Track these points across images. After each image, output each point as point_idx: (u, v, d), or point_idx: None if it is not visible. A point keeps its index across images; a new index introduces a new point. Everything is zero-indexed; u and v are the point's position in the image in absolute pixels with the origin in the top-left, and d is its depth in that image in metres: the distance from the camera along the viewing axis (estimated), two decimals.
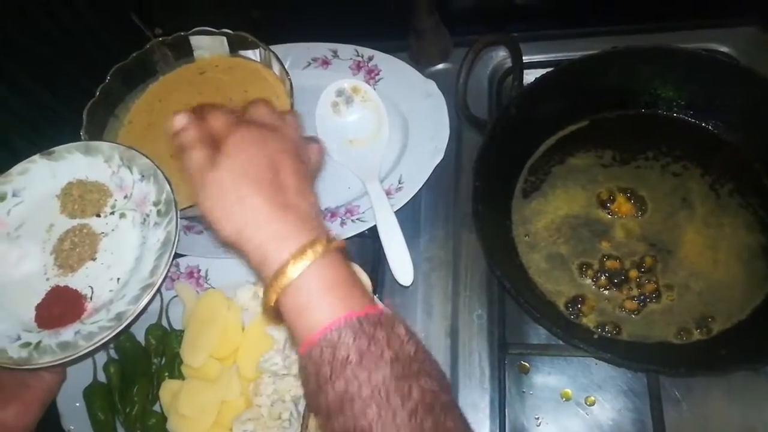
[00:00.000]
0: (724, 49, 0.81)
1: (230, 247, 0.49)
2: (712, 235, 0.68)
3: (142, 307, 0.60)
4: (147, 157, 0.67)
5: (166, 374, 0.69)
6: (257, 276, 0.50)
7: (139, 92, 0.83)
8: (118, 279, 0.65)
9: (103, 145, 0.70)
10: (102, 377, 0.69)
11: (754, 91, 0.68)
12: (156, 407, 0.69)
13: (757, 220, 0.68)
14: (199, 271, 0.73)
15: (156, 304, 0.72)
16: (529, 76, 0.75)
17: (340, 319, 0.43)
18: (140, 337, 0.71)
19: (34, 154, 0.71)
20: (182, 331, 0.70)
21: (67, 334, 0.61)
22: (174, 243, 0.63)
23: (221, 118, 0.52)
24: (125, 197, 0.68)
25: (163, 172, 0.66)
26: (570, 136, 0.76)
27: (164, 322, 0.72)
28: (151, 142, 0.79)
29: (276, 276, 0.45)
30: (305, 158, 0.53)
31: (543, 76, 0.72)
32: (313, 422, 0.61)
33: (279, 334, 0.68)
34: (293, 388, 0.65)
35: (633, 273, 0.67)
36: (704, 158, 0.72)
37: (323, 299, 0.45)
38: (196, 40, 0.82)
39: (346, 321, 0.43)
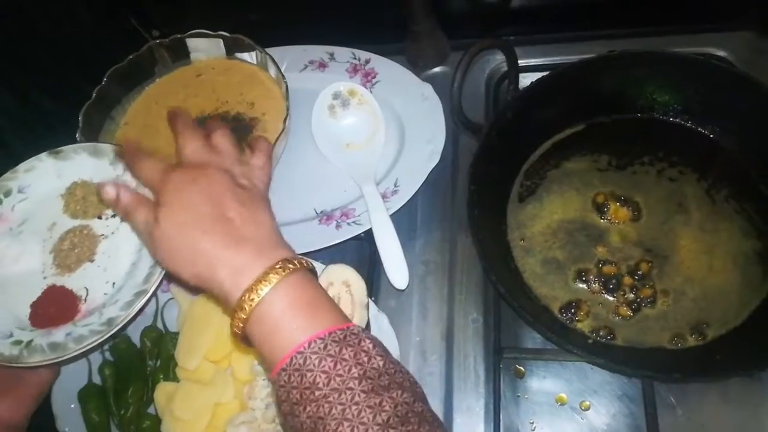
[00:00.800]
0: (721, 53, 0.81)
1: (195, 288, 0.51)
2: (707, 240, 0.68)
3: (133, 314, 0.60)
4: None
5: (161, 376, 0.68)
6: (224, 310, 0.50)
7: (136, 94, 0.83)
8: (113, 283, 0.65)
9: (110, 148, 0.70)
10: (97, 379, 0.69)
11: (750, 96, 0.68)
12: (150, 409, 0.68)
13: (753, 226, 0.68)
14: None
15: (152, 306, 0.72)
16: (526, 80, 0.75)
17: (303, 343, 0.44)
18: (135, 339, 0.71)
19: (30, 155, 0.72)
20: (177, 334, 0.69)
21: (59, 335, 0.61)
22: None
23: (150, 168, 0.53)
24: None
25: None
26: (566, 140, 0.76)
27: (159, 324, 0.71)
28: (147, 145, 0.79)
29: (237, 309, 0.46)
30: (244, 182, 0.54)
31: (539, 80, 0.72)
32: None
33: None
34: None
35: (628, 278, 0.67)
36: (700, 163, 0.72)
37: (286, 324, 0.46)
38: (192, 43, 0.82)
39: (309, 344, 0.44)
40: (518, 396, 0.67)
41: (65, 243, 0.67)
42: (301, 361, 0.43)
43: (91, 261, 0.67)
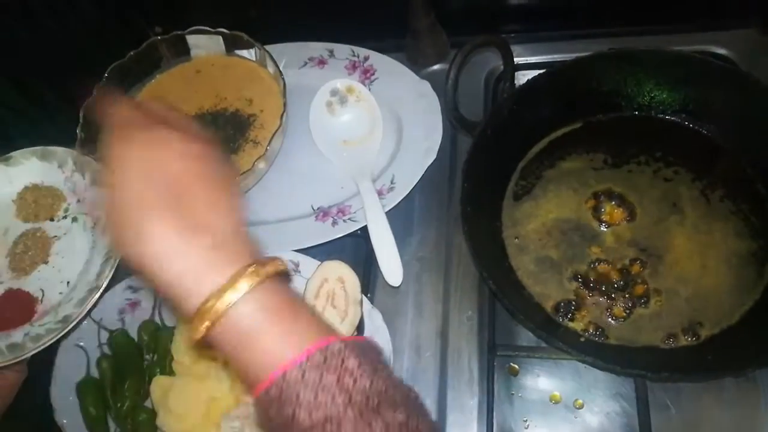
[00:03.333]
0: (721, 51, 0.81)
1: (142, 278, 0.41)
2: (701, 240, 0.68)
3: (87, 310, 0.62)
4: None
5: (158, 370, 0.70)
6: (175, 311, 0.44)
7: (137, 90, 0.83)
8: (68, 282, 0.67)
9: (58, 150, 0.72)
10: (95, 372, 0.70)
11: (749, 95, 0.67)
12: (147, 403, 0.69)
13: (748, 226, 0.67)
14: None
15: (149, 300, 0.73)
16: (524, 78, 0.75)
17: (277, 373, 0.38)
18: (133, 333, 0.72)
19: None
20: (174, 328, 0.70)
21: (17, 335, 0.63)
22: None
23: (117, 113, 0.44)
24: (78, 201, 0.71)
25: None
26: (563, 138, 0.75)
27: (157, 319, 0.72)
28: None
29: (196, 318, 0.39)
30: (216, 163, 0.44)
31: (535, 77, 0.72)
32: None
33: None
34: None
35: (621, 278, 0.67)
36: (696, 163, 0.72)
37: (257, 343, 0.39)
38: (192, 39, 0.83)
39: (285, 375, 0.37)
40: (512, 394, 0.67)
41: (19, 246, 0.70)
42: (276, 394, 0.37)
43: (46, 262, 0.69)
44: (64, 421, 0.68)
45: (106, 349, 0.71)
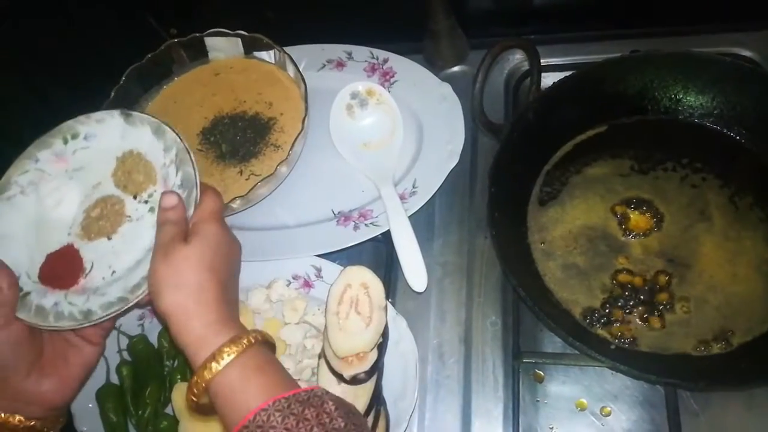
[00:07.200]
0: (747, 53, 0.80)
1: (160, 317, 0.54)
2: (731, 248, 0.67)
3: (108, 317, 0.59)
4: (194, 169, 0.63)
5: (179, 377, 0.69)
6: (189, 362, 0.53)
7: (154, 93, 0.83)
8: (114, 272, 0.62)
9: (170, 134, 0.66)
10: (115, 379, 0.70)
11: None
12: (168, 410, 0.69)
13: None
14: None
15: None
16: (547, 80, 0.74)
17: (268, 401, 0.46)
18: (153, 339, 0.71)
19: None
20: None
21: (48, 300, 0.60)
22: None
23: (213, 202, 0.60)
24: (162, 193, 0.67)
25: (198, 193, 0.62)
26: (588, 142, 0.75)
27: None
28: None
29: (204, 367, 0.49)
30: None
31: (562, 80, 0.71)
32: None
33: (291, 338, 0.67)
34: None
35: (649, 286, 0.66)
36: (725, 167, 0.71)
37: (250, 385, 0.48)
38: (211, 42, 0.82)
39: (274, 403, 0.46)
40: (537, 401, 0.66)
41: (96, 210, 0.66)
42: (264, 418, 0.45)
43: (109, 238, 0.64)
44: (84, 429, 0.68)
45: (125, 355, 0.71)
